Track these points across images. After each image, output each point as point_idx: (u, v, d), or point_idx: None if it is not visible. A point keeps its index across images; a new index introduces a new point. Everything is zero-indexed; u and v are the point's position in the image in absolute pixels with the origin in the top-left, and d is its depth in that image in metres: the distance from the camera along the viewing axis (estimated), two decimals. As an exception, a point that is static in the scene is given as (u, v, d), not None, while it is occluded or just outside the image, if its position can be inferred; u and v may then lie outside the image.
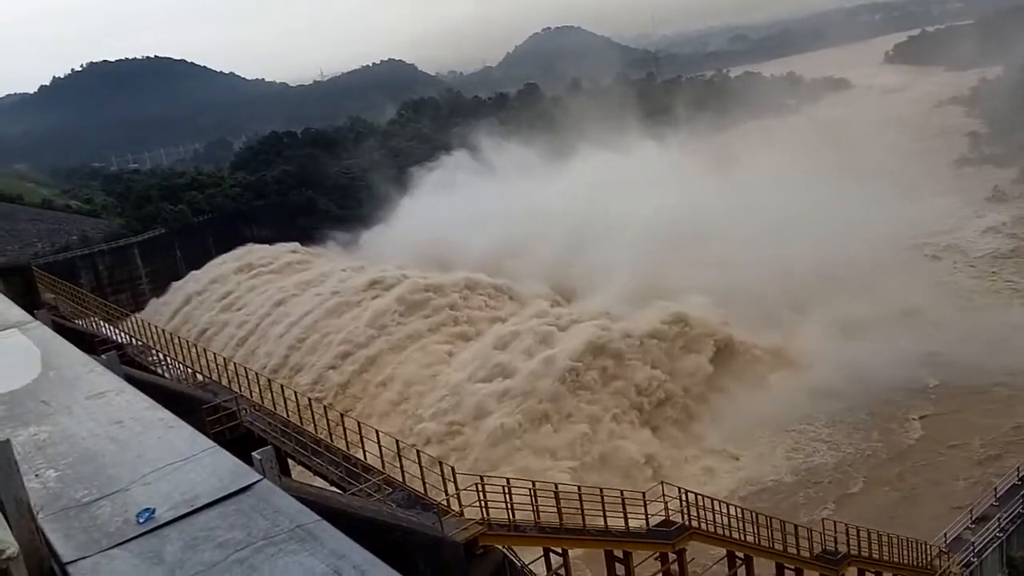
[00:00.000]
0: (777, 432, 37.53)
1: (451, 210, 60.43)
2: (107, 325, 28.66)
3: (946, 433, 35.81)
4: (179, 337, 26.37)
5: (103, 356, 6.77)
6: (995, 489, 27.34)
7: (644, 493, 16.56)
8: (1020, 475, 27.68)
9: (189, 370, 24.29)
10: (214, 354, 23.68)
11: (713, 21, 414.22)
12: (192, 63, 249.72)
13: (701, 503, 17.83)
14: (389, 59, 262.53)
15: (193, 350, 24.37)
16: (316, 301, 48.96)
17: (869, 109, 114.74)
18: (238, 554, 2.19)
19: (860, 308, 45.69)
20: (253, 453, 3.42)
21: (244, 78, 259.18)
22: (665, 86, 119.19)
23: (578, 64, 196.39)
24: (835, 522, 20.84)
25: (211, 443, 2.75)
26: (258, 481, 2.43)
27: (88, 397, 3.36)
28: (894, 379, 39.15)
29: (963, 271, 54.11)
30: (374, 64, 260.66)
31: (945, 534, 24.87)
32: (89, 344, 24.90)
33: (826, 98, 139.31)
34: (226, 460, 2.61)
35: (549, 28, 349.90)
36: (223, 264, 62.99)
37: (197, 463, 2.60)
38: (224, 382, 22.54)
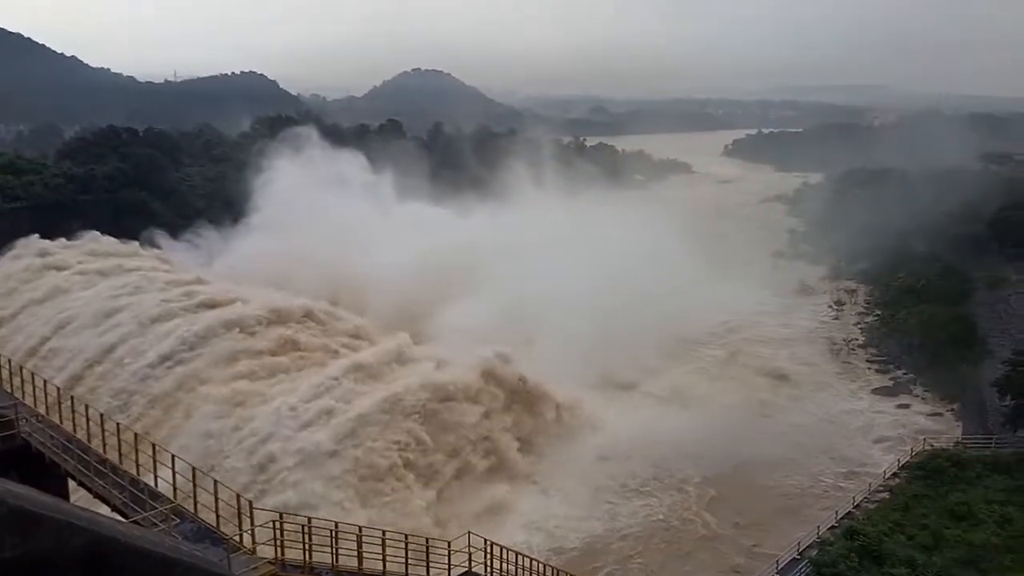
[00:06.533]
0: (580, 489, 38.02)
1: (292, 232, 58.53)
2: None
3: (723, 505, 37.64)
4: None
5: None
6: (777, 562, 29.27)
7: (449, 543, 16.35)
8: (800, 550, 29.83)
9: (-35, 370, 21.77)
10: (-1, 354, 21.38)
11: (575, 90, 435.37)
12: (29, 38, 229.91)
13: (506, 556, 17.83)
14: (250, 71, 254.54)
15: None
16: (134, 311, 45.26)
17: (706, 195, 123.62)
18: None
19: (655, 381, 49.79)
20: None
21: (87, 64, 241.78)
22: (525, 145, 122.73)
23: (443, 109, 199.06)
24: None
25: None
26: None
27: None
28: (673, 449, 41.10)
29: (753, 356, 57.94)
30: (233, 74, 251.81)
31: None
32: None
33: (669, 179, 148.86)
34: None
35: (419, 69, 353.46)
36: (30, 254, 56.78)
37: None
38: (9, 388, 20.37)
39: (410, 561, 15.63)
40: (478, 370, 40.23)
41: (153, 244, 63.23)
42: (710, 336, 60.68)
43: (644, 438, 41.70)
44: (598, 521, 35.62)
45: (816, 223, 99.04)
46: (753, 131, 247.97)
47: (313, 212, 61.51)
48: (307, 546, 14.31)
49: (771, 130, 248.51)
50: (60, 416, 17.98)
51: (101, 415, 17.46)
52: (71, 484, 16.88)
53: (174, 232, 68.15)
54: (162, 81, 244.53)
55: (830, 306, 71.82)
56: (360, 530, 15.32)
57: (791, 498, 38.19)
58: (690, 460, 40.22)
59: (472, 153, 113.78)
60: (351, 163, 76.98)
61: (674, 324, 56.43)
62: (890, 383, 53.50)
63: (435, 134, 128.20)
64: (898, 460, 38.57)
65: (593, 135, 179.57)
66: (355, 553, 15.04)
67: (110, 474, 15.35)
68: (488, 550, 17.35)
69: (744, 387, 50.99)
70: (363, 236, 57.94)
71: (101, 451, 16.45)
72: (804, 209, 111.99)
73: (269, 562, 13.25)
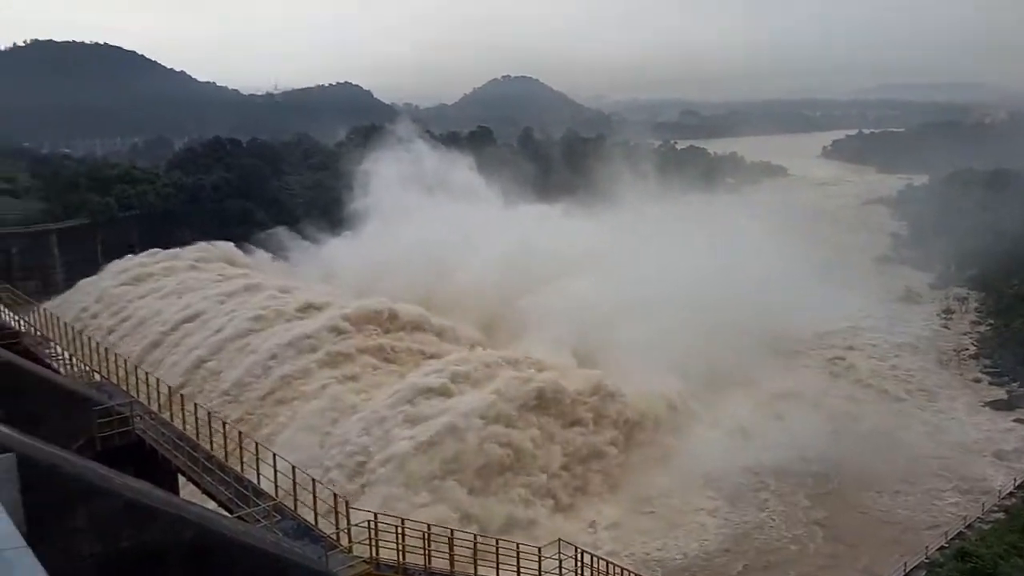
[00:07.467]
0: (684, 503, 37.11)
1: (386, 239, 59.80)
2: (6, 310, 27.19)
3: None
4: (81, 333, 25.17)
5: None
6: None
7: (540, 548, 16.29)
8: (906, 571, 28.40)
9: (87, 368, 23.15)
10: (115, 355, 22.63)
11: (664, 94, 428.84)
12: (142, 56, 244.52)
13: (596, 564, 17.65)
14: (346, 82, 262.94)
15: (98, 348, 23.27)
16: (236, 315, 47.19)
17: (803, 198, 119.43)
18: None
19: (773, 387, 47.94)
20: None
21: (195, 79, 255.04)
22: (615, 149, 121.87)
23: (532, 115, 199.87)
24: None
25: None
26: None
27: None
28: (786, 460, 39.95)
29: (858, 365, 55.36)
30: (330, 85, 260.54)
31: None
32: (-19, 328, 23.53)
33: (763, 182, 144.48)
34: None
35: (508, 76, 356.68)
36: (153, 260, 59.96)
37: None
38: (125, 387, 21.52)
39: (501, 566, 15.67)
40: (663, 403, 41.02)
41: (250, 253, 65.70)
42: (811, 343, 58.30)
43: (747, 448, 40.53)
44: (711, 534, 34.50)
45: (922, 227, 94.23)
46: (852, 132, 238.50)
47: (415, 216, 62.63)
48: (401, 547, 14.53)
49: (871, 130, 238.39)
50: (171, 414, 18.86)
51: (209, 413, 18.22)
52: (180, 479, 17.70)
53: (276, 238, 70.78)
54: (264, 94, 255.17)
55: (939, 314, 68.28)
56: (452, 532, 15.48)
57: (898, 516, 36.37)
58: (794, 474, 38.84)
59: (562, 158, 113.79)
60: (452, 166, 78.06)
61: (775, 330, 54.47)
62: (1005, 396, 50.36)
63: (525, 140, 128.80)
64: (1015, 479, 36.31)
65: (684, 138, 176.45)
66: (447, 555, 15.19)
67: (217, 471, 15.99)
68: (579, 558, 17.21)
69: (849, 397, 48.84)
70: (464, 239, 58.37)
71: (208, 448, 17.17)
72: (909, 212, 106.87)
73: (364, 561, 13.51)
